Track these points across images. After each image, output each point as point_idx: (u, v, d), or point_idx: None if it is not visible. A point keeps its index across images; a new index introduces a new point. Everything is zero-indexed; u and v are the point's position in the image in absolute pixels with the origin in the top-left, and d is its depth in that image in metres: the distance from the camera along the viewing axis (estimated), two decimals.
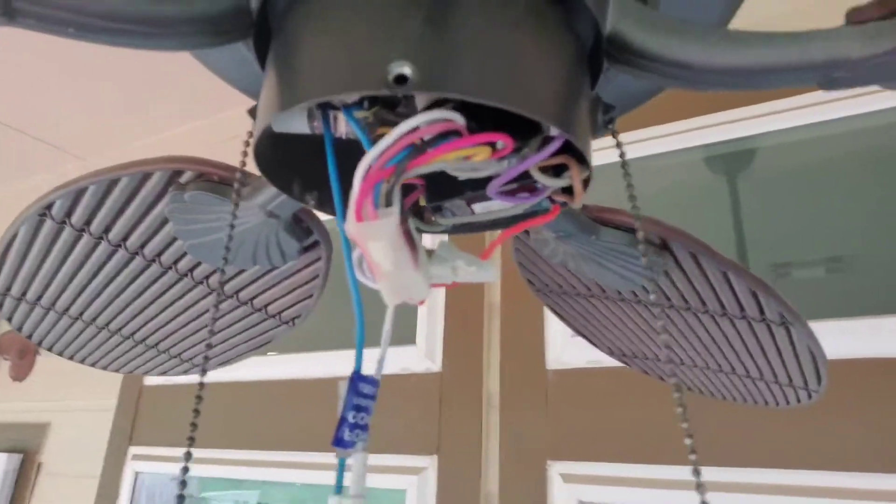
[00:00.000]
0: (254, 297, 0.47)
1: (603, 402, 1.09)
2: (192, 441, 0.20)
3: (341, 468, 0.18)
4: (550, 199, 0.23)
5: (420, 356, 1.32)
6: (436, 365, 1.30)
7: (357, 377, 0.18)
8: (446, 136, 0.17)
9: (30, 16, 0.21)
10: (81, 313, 0.49)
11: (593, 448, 1.08)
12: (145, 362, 0.55)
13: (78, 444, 1.60)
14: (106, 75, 1.47)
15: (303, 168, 0.24)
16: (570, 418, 1.10)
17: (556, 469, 1.10)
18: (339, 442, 0.17)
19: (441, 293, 1.34)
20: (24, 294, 0.47)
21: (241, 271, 0.42)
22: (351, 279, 0.20)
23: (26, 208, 0.38)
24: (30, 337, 0.53)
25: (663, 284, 0.36)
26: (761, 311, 0.38)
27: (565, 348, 1.16)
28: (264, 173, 0.22)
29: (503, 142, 0.18)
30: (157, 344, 0.52)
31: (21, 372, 1.86)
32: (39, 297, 0.48)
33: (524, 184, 0.22)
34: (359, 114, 0.19)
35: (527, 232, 0.37)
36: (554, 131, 0.19)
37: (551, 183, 0.20)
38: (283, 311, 0.48)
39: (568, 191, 0.22)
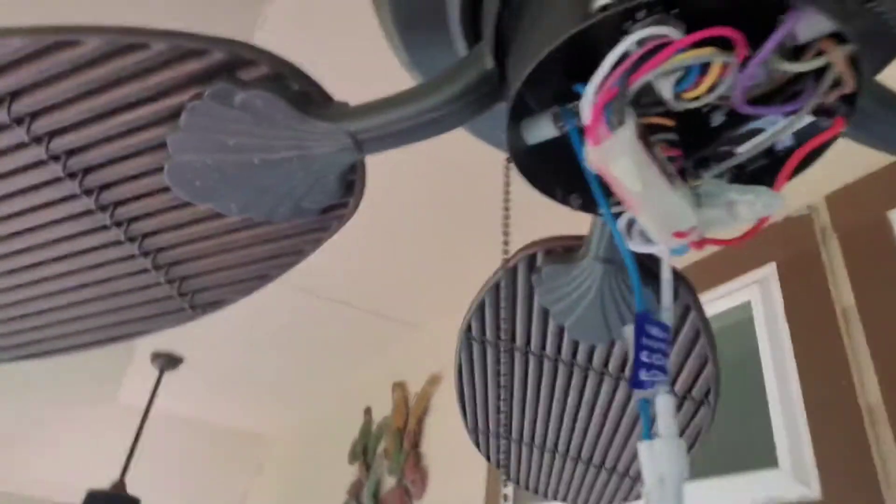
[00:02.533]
0: None
1: None
2: None
3: (645, 412, 0.17)
4: (829, 113, 0.20)
5: (788, 481, 1.10)
6: (813, 491, 1.06)
7: (642, 318, 0.18)
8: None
9: (368, 142, 0.30)
10: (533, 438, 0.49)
11: None
12: (599, 488, 0.51)
13: None
14: (427, 248, 1.76)
15: (561, 176, 0.27)
16: None
17: None
18: (636, 383, 0.17)
19: (797, 401, 1.14)
20: (487, 427, 0.51)
21: (626, 351, 0.41)
22: (621, 246, 0.20)
23: (457, 338, 0.46)
24: (507, 476, 0.54)
25: None
26: None
27: None
28: (529, 181, 0.25)
29: (730, 38, 0.17)
30: (601, 462, 0.49)
31: None
32: (498, 427, 0.51)
33: (788, 96, 0.20)
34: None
35: None
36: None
37: (797, 67, 0.18)
38: (690, 388, 0.43)
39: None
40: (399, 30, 0.30)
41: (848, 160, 1.08)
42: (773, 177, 0.22)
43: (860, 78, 0.19)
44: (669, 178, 0.18)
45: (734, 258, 1.31)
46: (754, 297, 1.28)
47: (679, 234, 0.19)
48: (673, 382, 0.40)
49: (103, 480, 2.25)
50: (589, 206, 0.26)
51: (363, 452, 2.42)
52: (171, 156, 0.32)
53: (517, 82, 0.21)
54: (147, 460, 2.66)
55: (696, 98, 0.19)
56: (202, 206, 0.35)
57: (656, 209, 0.18)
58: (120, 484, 2.28)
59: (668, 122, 0.23)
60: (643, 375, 0.17)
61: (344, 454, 2.56)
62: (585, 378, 0.42)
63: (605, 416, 0.44)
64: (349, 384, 2.77)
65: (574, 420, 0.45)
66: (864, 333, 1.07)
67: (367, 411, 2.53)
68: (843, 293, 1.10)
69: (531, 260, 0.37)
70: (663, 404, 0.16)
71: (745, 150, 0.22)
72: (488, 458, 0.50)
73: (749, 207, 0.19)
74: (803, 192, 1.19)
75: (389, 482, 2.18)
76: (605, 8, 0.17)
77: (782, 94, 0.21)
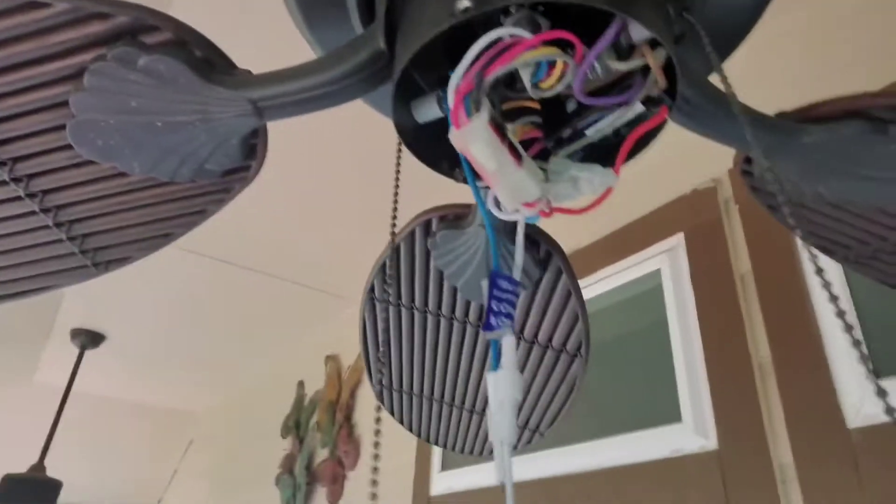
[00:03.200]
0: (536, 335, 0.47)
1: None
2: None
3: (495, 349, 0.21)
4: (656, 103, 0.24)
5: (689, 433, 1.20)
6: (710, 442, 1.17)
7: (494, 274, 0.21)
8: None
9: (268, 110, 0.32)
10: (432, 392, 0.53)
11: None
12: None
13: None
14: (368, 225, 1.78)
15: (447, 152, 0.30)
16: (892, 486, 0.88)
17: None
18: (487, 326, 0.20)
19: (699, 361, 1.23)
20: (391, 383, 0.54)
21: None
22: (483, 213, 0.23)
23: (363, 297, 0.48)
24: (410, 429, 0.57)
25: None
26: None
27: (865, 399, 0.96)
28: (416, 156, 0.28)
29: (570, 40, 0.21)
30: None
31: (335, 496, 2.13)
32: (401, 383, 0.54)
33: (621, 88, 0.24)
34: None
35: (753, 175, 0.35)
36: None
37: (622, 66, 0.22)
38: (565, 342, 0.47)
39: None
40: (301, 10, 0.32)
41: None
42: (616, 155, 0.26)
43: (672, 76, 0.23)
44: (518, 158, 0.21)
45: (646, 229, 1.39)
46: (664, 265, 1.36)
47: (528, 205, 0.22)
48: (550, 339, 0.45)
49: (21, 464, 2.16)
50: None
51: (296, 426, 2.43)
52: (73, 114, 0.32)
53: (398, 70, 0.24)
54: (70, 442, 2.57)
55: (549, 88, 0.23)
56: (105, 164, 0.35)
57: (508, 184, 0.22)
58: (39, 466, 2.19)
59: (534, 105, 0.27)
60: (493, 320, 0.21)
61: (276, 429, 2.56)
62: (477, 335, 0.46)
63: None
64: (281, 358, 2.76)
65: (468, 374, 0.49)
66: (757, 297, 1.17)
67: (300, 385, 2.53)
68: (742, 260, 1.19)
69: (427, 225, 0.41)
70: (507, 344, 0.20)
71: (591, 132, 0.26)
72: (391, 412, 0.53)
73: (589, 183, 0.23)
74: (709, 165, 1.27)
75: (322, 454, 2.21)
76: (466, 10, 0.20)
77: (619, 86, 0.25)
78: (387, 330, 0.48)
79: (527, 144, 0.25)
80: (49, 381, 2.75)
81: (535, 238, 0.40)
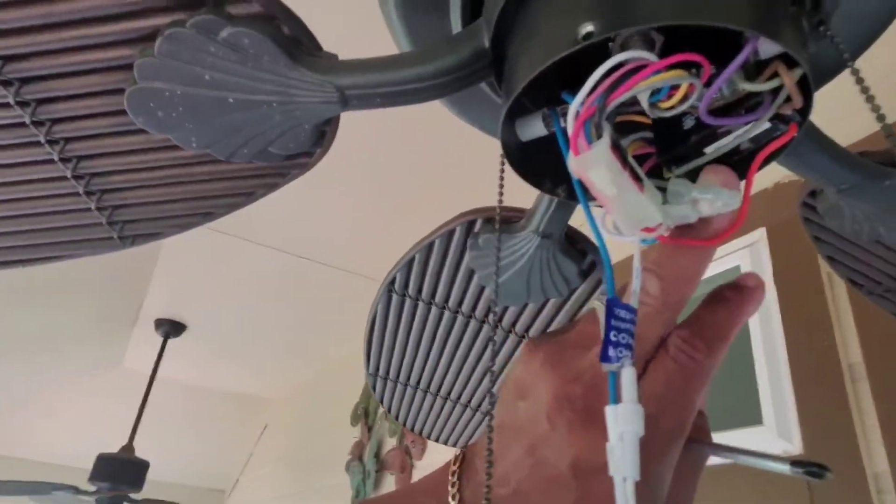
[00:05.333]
0: None
1: None
2: None
3: (612, 382, 0.20)
4: (785, 120, 0.23)
5: (772, 437, 1.15)
6: (795, 446, 1.12)
7: (611, 302, 0.21)
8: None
9: (354, 99, 0.30)
10: (429, 385, 0.55)
11: None
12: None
13: None
14: (423, 219, 1.79)
15: (550, 170, 0.29)
16: None
17: None
18: (605, 358, 0.20)
19: (782, 362, 1.18)
20: (388, 373, 0.56)
21: (538, 316, 0.46)
22: (595, 233, 0.23)
23: (379, 288, 0.50)
24: (396, 417, 0.61)
25: None
26: None
27: None
28: (520, 174, 0.28)
29: (698, 62, 0.20)
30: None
31: (405, 484, 2.17)
32: (398, 374, 0.56)
33: (748, 107, 0.23)
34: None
35: (814, 209, 0.34)
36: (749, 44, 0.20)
37: (753, 87, 0.21)
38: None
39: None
40: (401, 19, 0.31)
41: (835, 128, 1.09)
42: (738, 172, 0.25)
43: (808, 95, 0.22)
44: (639, 182, 0.21)
45: None
46: (744, 262, 1.31)
47: (647, 230, 0.22)
48: None
49: (112, 445, 2.32)
50: (573, 197, 0.29)
51: (365, 414, 2.50)
52: (135, 80, 0.30)
53: (514, 92, 0.24)
54: (154, 425, 2.73)
55: (669, 109, 0.22)
56: (158, 135, 0.33)
57: (627, 209, 0.21)
58: (129, 447, 2.34)
59: (646, 121, 0.26)
60: (611, 352, 0.20)
61: (346, 416, 2.64)
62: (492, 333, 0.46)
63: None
64: (351, 348, 2.83)
65: (472, 371, 0.49)
66: (847, 295, 1.10)
67: None
68: None
69: (470, 225, 0.40)
70: (627, 376, 0.20)
71: (710, 150, 0.25)
72: (381, 402, 0.54)
73: (710, 204, 0.22)
74: None
75: (390, 443, 2.25)
76: (588, 35, 0.20)
77: (744, 104, 0.24)
78: (397, 322, 0.48)
79: (638, 162, 0.24)
80: (136, 367, 2.93)
81: (584, 247, 0.39)
